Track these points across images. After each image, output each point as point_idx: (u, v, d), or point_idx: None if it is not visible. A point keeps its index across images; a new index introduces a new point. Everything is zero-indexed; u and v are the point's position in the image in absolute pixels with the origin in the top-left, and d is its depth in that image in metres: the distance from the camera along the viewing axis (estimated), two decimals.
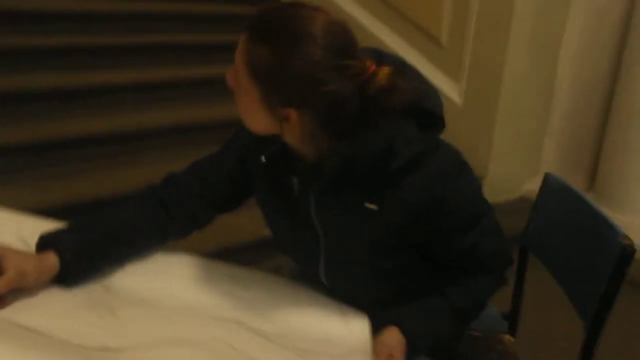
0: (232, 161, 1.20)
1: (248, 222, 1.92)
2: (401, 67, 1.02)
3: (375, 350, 1.05)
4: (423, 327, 1.10)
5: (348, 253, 1.12)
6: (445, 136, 1.08)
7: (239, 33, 1.01)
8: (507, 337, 1.52)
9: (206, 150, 1.24)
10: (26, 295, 1.00)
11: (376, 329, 1.10)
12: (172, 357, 0.92)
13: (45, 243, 1.06)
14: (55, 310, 0.99)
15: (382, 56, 1.03)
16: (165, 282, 1.12)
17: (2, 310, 0.95)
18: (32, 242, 1.07)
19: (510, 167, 3.16)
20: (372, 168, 1.00)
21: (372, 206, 1.03)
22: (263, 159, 1.10)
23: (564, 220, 1.41)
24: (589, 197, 1.40)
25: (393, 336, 1.07)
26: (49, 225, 1.11)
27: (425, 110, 1.03)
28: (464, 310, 1.16)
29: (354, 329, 1.11)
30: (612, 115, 3.00)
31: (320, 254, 1.14)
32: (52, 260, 1.03)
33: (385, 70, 0.97)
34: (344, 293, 1.18)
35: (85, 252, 1.07)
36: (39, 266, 1.02)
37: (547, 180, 1.51)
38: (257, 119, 1.00)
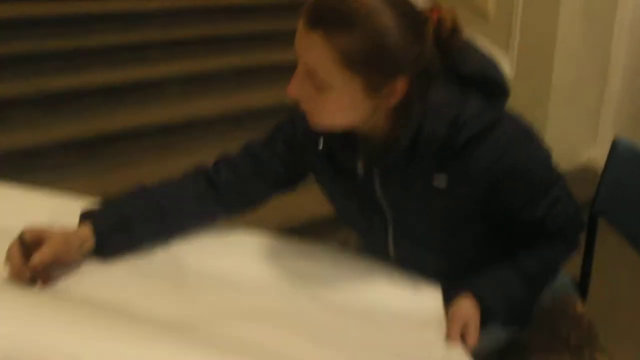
0: (283, 147, 1.17)
1: (306, 201, 1.91)
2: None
3: (450, 320, 1.04)
4: (497, 295, 1.07)
5: (417, 229, 1.10)
6: None
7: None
8: (579, 303, 1.48)
9: (256, 135, 1.23)
10: (101, 273, 1.02)
11: (448, 298, 1.09)
12: (247, 331, 0.92)
13: (83, 217, 1.06)
14: (131, 289, 1.00)
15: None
16: (236, 259, 1.13)
17: (82, 287, 0.96)
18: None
19: (567, 136, 3.07)
20: (439, 142, 0.97)
21: (440, 182, 1.01)
22: (320, 144, 1.08)
23: (637, 184, 1.36)
24: None
25: (467, 305, 1.05)
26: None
27: (488, 79, 1.00)
28: (537, 278, 1.13)
29: (426, 299, 1.09)
30: None
31: (387, 230, 1.13)
32: (87, 231, 1.03)
33: (445, 12, 0.95)
34: (413, 266, 1.16)
35: (121, 225, 1.06)
36: (78, 236, 1.02)
37: (617, 144, 1.45)
38: (355, 111, 0.95)
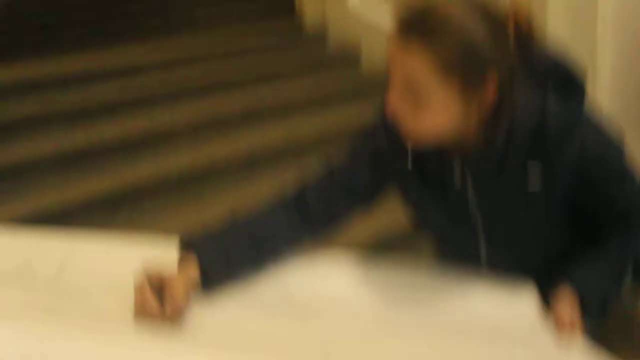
0: (366, 155, 1.19)
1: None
2: None
3: (556, 320, 1.07)
4: (595, 287, 1.11)
5: (509, 234, 1.14)
6: None
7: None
8: None
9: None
10: (216, 307, 1.05)
11: (545, 292, 1.12)
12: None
13: (184, 247, 1.09)
14: (249, 321, 1.02)
15: None
16: (335, 283, 1.16)
17: (207, 322, 0.99)
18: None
19: None
20: (530, 139, 1.02)
21: (535, 187, 1.05)
22: (409, 163, 1.11)
23: None
24: None
25: (570, 301, 1.08)
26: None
27: (565, 73, 1.05)
28: (624, 266, 1.17)
29: (525, 302, 1.12)
30: None
31: (478, 238, 1.17)
32: (193, 266, 1.05)
33: (521, 11, 0.98)
34: (505, 268, 1.19)
35: (222, 259, 1.09)
36: (189, 274, 1.04)
37: None
38: (454, 119, 0.98)
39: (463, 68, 0.94)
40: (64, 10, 4.33)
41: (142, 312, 0.96)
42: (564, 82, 1.04)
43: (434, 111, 0.97)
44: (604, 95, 3.18)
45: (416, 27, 0.94)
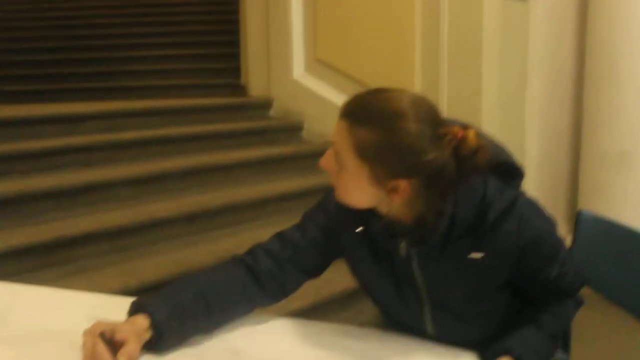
0: (317, 232, 1.27)
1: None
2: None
3: None
4: (531, 353, 1.18)
5: (452, 302, 1.21)
6: None
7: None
8: None
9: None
10: None
11: None
12: None
13: (136, 308, 1.11)
14: None
15: (456, 122, 1.13)
16: (288, 345, 1.18)
17: None
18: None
19: None
20: (471, 222, 1.11)
21: (477, 256, 1.13)
22: (360, 229, 1.19)
23: (609, 250, 1.56)
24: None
25: None
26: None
27: (502, 163, 1.16)
28: (556, 333, 1.26)
29: None
30: (582, 160, 3.28)
31: (423, 307, 1.23)
32: (145, 323, 1.07)
33: (472, 133, 1.08)
34: (448, 338, 1.25)
35: (175, 317, 1.11)
36: (140, 330, 1.07)
37: (582, 216, 1.65)
38: (363, 195, 1.11)
39: (375, 160, 1.06)
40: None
41: None
42: (502, 170, 1.15)
43: (348, 181, 1.10)
44: (531, 178, 3.41)
45: (350, 113, 1.08)
